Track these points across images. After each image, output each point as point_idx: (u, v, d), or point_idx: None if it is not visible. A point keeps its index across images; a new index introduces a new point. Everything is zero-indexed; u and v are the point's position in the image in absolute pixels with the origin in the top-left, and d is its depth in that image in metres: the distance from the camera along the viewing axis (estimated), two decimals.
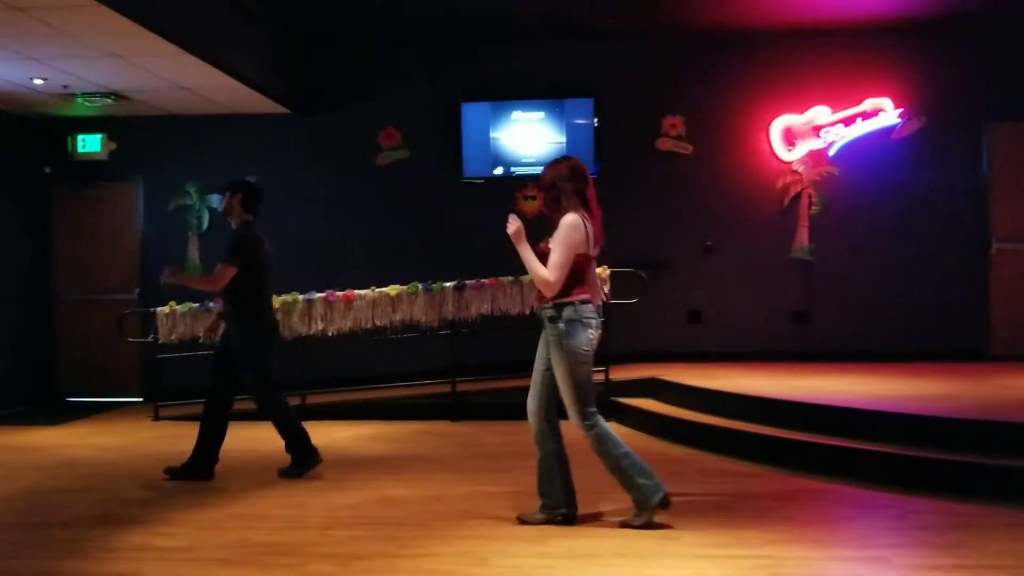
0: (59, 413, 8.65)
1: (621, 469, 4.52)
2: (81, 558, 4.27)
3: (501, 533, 4.53)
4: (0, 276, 8.91)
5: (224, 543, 4.46)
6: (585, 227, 4.50)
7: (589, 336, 4.49)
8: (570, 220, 4.49)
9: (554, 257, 4.46)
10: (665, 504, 4.50)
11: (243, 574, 4.01)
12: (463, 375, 8.02)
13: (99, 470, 6.15)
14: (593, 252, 4.58)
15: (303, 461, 5.87)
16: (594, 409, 4.55)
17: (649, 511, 4.51)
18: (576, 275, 4.49)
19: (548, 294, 4.51)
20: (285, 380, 8.20)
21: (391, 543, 4.41)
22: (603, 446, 4.52)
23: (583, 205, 4.57)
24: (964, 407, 6.03)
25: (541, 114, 8.97)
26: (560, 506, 4.65)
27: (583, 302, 4.51)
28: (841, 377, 7.44)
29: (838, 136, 8.76)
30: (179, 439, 7.17)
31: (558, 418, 4.66)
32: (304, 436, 5.90)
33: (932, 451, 5.40)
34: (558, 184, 4.59)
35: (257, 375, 5.90)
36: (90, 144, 9.38)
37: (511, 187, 9.06)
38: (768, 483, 5.49)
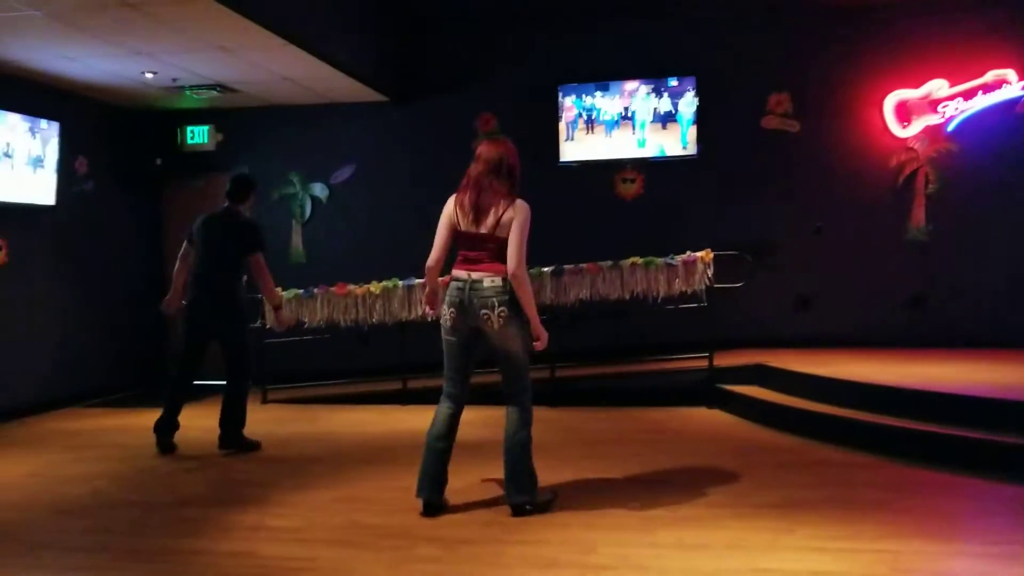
0: None
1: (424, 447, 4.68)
2: (198, 537, 4.39)
3: (607, 521, 4.46)
4: (116, 264, 9.27)
5: (333, 525, 4.52)
6: (453, 205, 4.63)
7: (443, 311, 4.62)
8: None
9: None
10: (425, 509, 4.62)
11: (353, 556, 4.05)
12: (562, 361, 7.95)
13: (211, 451, 6.31)
14: (465, 228, 4.60)
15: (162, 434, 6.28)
16: (445, 384, 4.75)
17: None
18: None
19: None
20: (385, 365, 8.39)
21: (495, 528, 4.40)
22: None
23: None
24: None
25: (640, 94, 8.81)
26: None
27: (452, 278, 4.63)
28: (959, 364, 7.11)
29: (957, 111, 8.34)
30: (286, 421, 7.35)
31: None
32: (171, 420, 6.28)
33: None
34: None
35: None
36: (198, 135, 9.65)
37: (609, 170, 8.95)
38: (884, 474, 5.27)
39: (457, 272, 4.61)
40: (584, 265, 7.73)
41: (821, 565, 3.81)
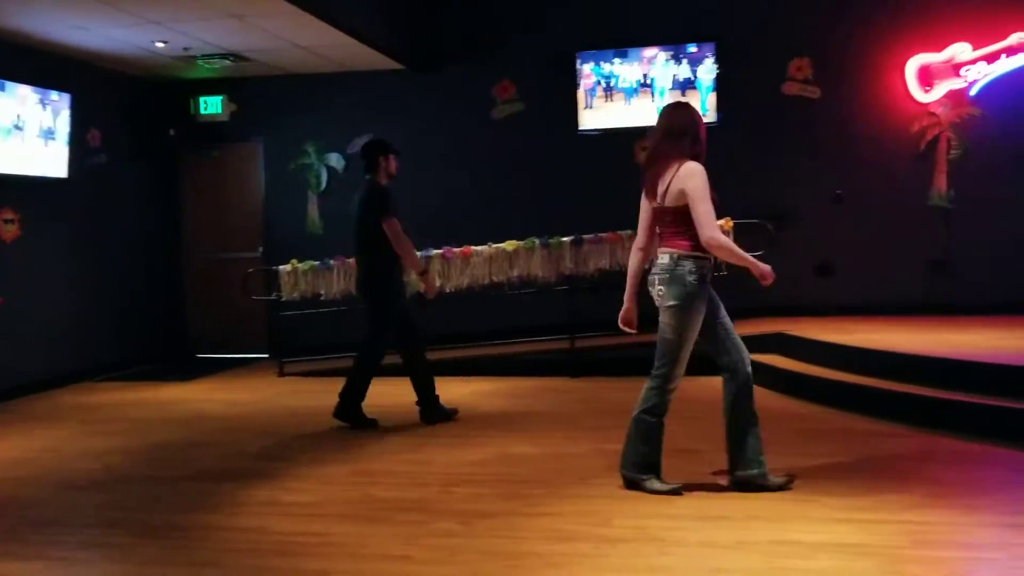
0: (190, 369, 8.95)
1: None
2: (210, 512, 4.37)
3: (625, 493, 4.40)
4: (131, 236, 9.24)
5: (349, 499, 4.49)
6: None
7: None
8: None
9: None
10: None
11: (368, 531, 4.01)
12: (581, 331, 7.87)
13: (227, 425, 6.31)
14: (650, 202, 4.44)
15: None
16: None
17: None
18: None
19: None
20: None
21: (514, 501, 4.35)
22: None
23: None
24: None
25: (660, 61, 8.65)
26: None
27: None
28: (983, 331, 6.99)
29: (980, 74, 8.14)
30: (304, 394, 7.33)
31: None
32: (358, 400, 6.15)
33: None
34: None
35: None
36: (211, 106, 9.56)
37: (629, 138, 8.81)
38: (908, 443, 5.19)
39: None
40: (604, 235, 7.67)
41: (844, 537, 3.73)
